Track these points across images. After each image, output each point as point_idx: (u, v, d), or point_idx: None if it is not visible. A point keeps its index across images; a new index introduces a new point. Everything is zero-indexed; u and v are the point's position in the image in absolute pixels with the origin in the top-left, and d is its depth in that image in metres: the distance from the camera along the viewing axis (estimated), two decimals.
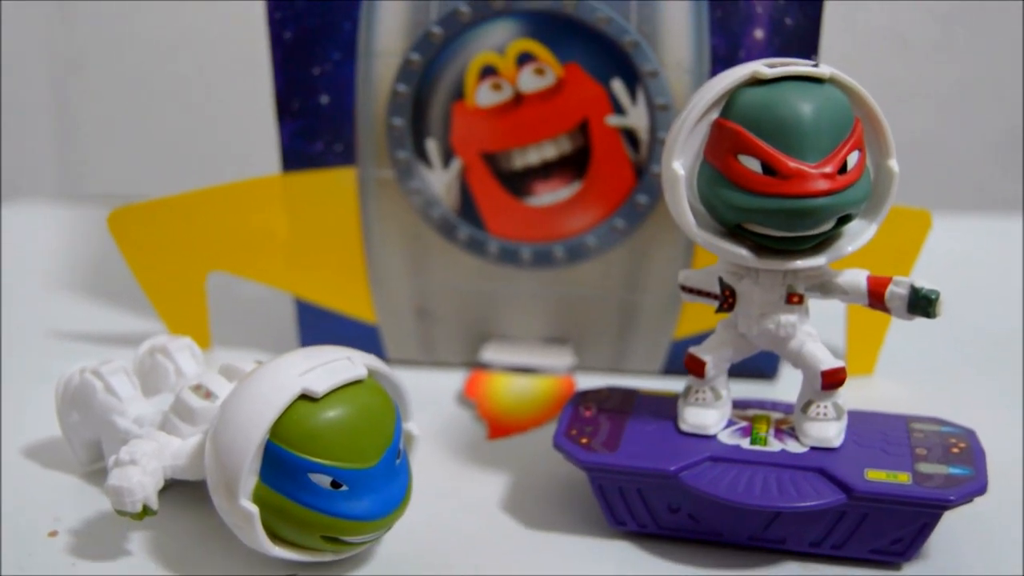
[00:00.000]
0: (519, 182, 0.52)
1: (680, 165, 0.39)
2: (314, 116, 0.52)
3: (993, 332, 0.60)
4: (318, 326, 0.55)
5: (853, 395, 0.50)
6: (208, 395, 0.42)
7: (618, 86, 0.50)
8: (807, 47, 0.49)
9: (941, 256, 0.59)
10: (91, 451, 0.46)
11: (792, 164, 0.37)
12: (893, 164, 0.40)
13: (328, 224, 0.53)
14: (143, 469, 0.39)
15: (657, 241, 0.52)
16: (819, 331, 0.41)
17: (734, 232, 0.40)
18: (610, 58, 0.50)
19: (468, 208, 0.53)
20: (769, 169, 0.38)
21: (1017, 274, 0.67)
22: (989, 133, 0.91)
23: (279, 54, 0.51)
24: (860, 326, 0.54)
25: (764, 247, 0.39)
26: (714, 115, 0.39)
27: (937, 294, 0.39)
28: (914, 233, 0.52)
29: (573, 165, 0.52)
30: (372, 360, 0.41)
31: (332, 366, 0.39)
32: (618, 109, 0.51)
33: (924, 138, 0.91)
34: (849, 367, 0.54)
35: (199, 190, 0.54)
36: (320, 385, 0.38)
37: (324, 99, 0.52)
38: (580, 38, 0.50)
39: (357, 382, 0.39)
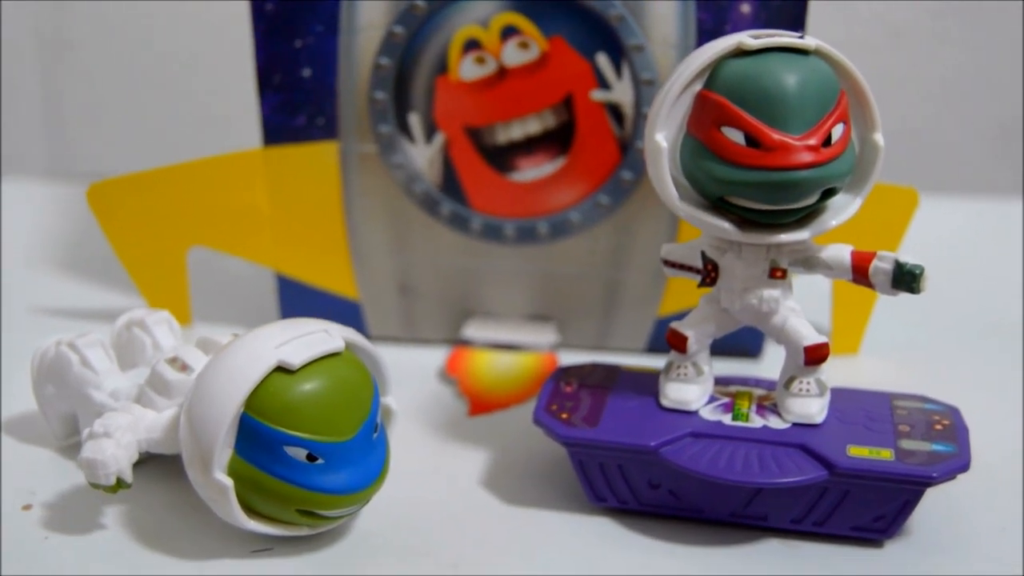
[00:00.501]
0: (503, 157, 0.52)
1: (663, 137, 0.39)
2: (296, 89, 0.51)
3: (979, 312, 0.59)
4: (299, 302, 0.55)
5: (838, 373, 0.49)
6: (184, 368, 0.41)
7: (603, 60, 0.50)
8: (794, 21, 0.48)
9: (929, 237, 0.59)
10: (67, 425, 0.45)
11: (776, 136, 0.37)
12: (878, 138, 0.39)
13: (310, 199, 0.53)
14: (117, 442, 0.39)
15: (642, 218, 0.51)
16: (804, 309, 0.41)
17: (717, 205, 0.39)
18: (595, 32, 0.49)
19: (451, 183, 0.52)
20: (753, 141, 0.37)
21: (1005, 256, 0.66)
22: (982, 122, 0.90)
23: (261, 27, 0.50)
24: (845, 305, 0.54)
25: (747, 221, 0.39)
26: (697, 87, 0.39)
27: (921, 269, 0.38)
28: (901, 211, 0.52)
29: (557, 140, 0.51)
30: (350, 333, 0.40)
31: (309, 338, 0.38)
32: (603, 84, 0.50)
33: (917, 127, 0.90)
34: (834, 346, 0.54)
35: (180, 164, 0.54)
36: (296, 357, 0.37)
37: (306, 72, 0.51)
38: (565, 12, 0.49)
39: (334, 355, 0.38)
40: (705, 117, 0.38)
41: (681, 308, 0.53)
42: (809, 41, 0.38)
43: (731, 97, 0.38)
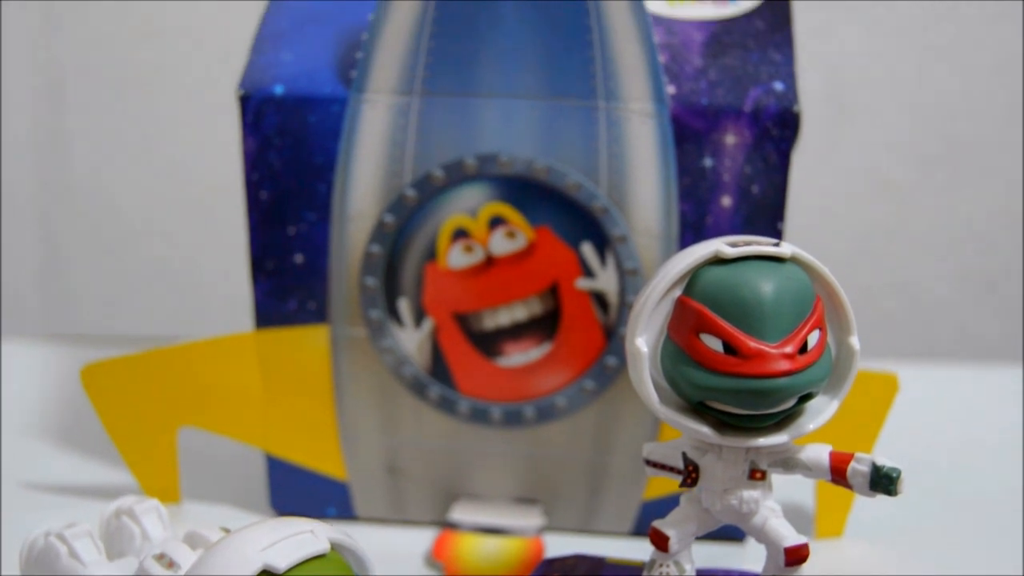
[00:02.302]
0: (490, 342, 0.53)
1: (643, 342, 0.40)
2: (288, 275, 0.52)
3: (973, 486, 0.60)
4: (288, 481, 0.55)
5: (821, 559, 0.50)
6: (171, 565, 0.42)
7: (588, 250, 0.51)
8: (773, 215, 0.50)
9: (916, 406, 0.59)
10: None
11: (753, 344, 0.38)
12: (854, 342, 0.40)
13: (300, 381, 0.54)
14: None
15: (626, 402, 0.52)
16: (789, 490, 0.42)
17: (697, 408, 0.40)
18: (580, 223, 0.51)
19: (439, 367, 0.53)
20: (730, 349, 0.38)
21: (999, 425, 0.67)
22: (972, 276, 0.92)
23: (255, 215, 0.52)
24: (829, 486, 0.54)
25: (726, 424, 0.40)
26: (677, 292, 0.40)
27: (898, 472, 0.39)
28: (880, 398, 0.52)
29: (543, 326, 0.52)
30: (336, 533, 0.41)
31: (295, 539, 0.39)
32: (588, 273, 0.51)
33: (906, 280, 0.92)
34: (818, 529, 0.54)
35: (172, 347, 0.55)
36: (282, 561, 0.38)
37: (298, 258, 0.52)
38: (551, 203, 0.51)
39: (320, 556, 0.39)
40: (684, 324, 0.39)
41: (666, 492, 0.53)
42: (785, 249, 0.39)
43: (709, 305, 0.39)
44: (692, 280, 0.40)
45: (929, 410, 0.66)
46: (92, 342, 0.76)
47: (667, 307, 0.40)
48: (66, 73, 0.89)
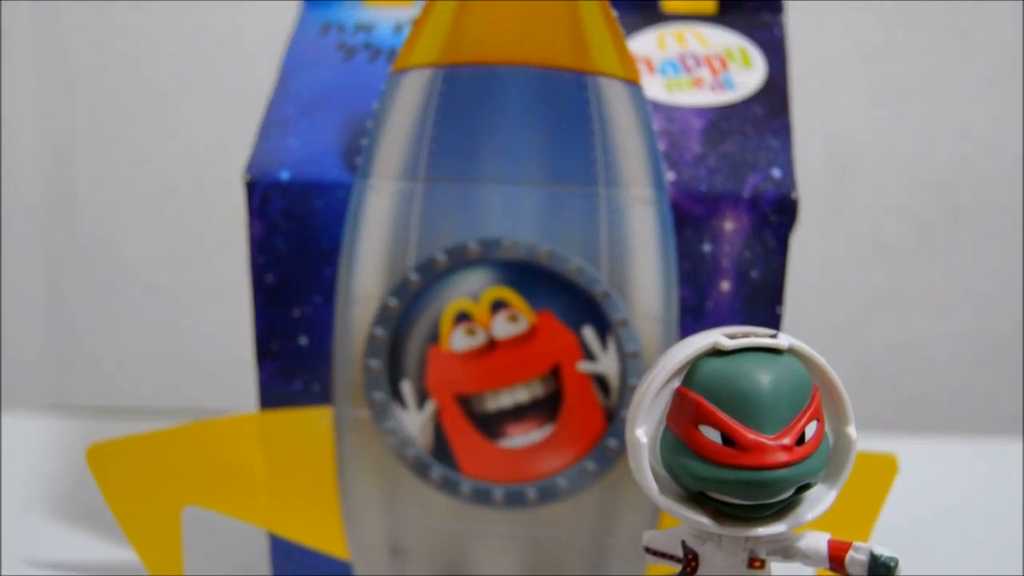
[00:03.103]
0: (492, 424, 0.53)
1: (643, 432, 0.40)
2: (293, 357, 0.53)
3: (978, 565, 0.60)
4: (291, 560, 0.56)
5: None
6: None
7: (589, 333, 0.52)
8: (772, 299, 0.51)
9: (921, 481, 0.59)
10: None
11: (751, 436, 0.38)
12: (851, 431, 0.41)
13: (304, 461, 0.54)
14: None
15: (627, 484, 0.53)
16: (787, 570, 0.42)
17: (696, 497, 0.40)
18: (582, 307, 0.51)
19: (442, 449, 0.53)
20: (729, 440, 0.38)
21: (997, 505, 0.67)
22: (973, 341, 0.92)
23: (261, 298, 0.52)
24: (829, 574, 0.55)
25: (725, 513, 0.40)
26: (676, 383, 0.40)
27: (896, 561, 0.39)
28: (879, 480, 0.53)
29: (545, 408, 0.53)
30: None
31: None
32: (589, 356, 0.52)
33: (904, 346, 0.92)
34: None
35: (177, 427, 0.55)
36: None
37: (303, 340, 0.53)
38: (553, 287, 0.51)
39: None
40: (683, 414, 0.40)
41: (667, 572, 0.53)
42: (782, 341, 0.40)
43: (708, 397, 0.39)
44: (691, 371, 0.40)
45: (929, 487, 0.67)
46: (96, 414, 0.76)
47: (666, 397, 0.40)
48: (75, 138, 0.90)
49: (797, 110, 0.52)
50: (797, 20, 0.70)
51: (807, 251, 0.54)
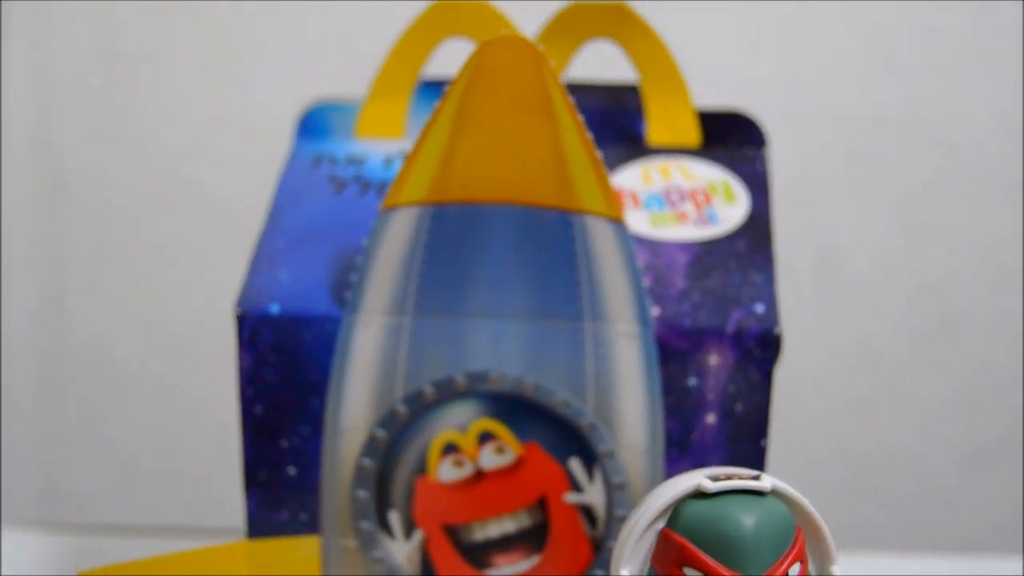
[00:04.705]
0: (479, 554, 0.53)
1: (628, 572, 0.41)
2: (281, 487, 0.53)
3: None
4: None
5: None
6: None
7: (576, 465, 0.52)
8: (756, 432, 0.51)
9: None
10: None
11: None
12: (836, 571, 0.41)
13: None
14: None
15: None
16: None
17: None
18: (568, 439, 0.52)
19: None
20: None
21: None
22: (964, 448, 0.93)
23: (249, 429, 0.53)
24: None
25: None
26: (661, 524, 0.41)
27: None
28: None
29: (532, 539, 0.53)
30: None
31: None
32: (576, 487, 0.52)
33: (895, 454, 0.93)
34: None
35: (165, 556, 0.55)
36: None
37: (291, 471, 0.53)
38: (539, 420, 0.52)
39: None
40: (667, 556, 0.40)
41: None
42: (765, 483, 0.40)
43: (691, 539, 0.40)
44: (675, 513, 0.41)
45: None
46: (82, 531, 0.76)
47: (651, 538, 0.41)
48: (69, 249, 0.91)
49: (784, 219, 0.53)
50: (786, 128, 0.72)
51: (794, 358, 0.55)
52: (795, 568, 0.40)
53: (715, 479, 0.41)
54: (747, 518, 0.40)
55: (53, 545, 0.76)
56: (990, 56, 0.87)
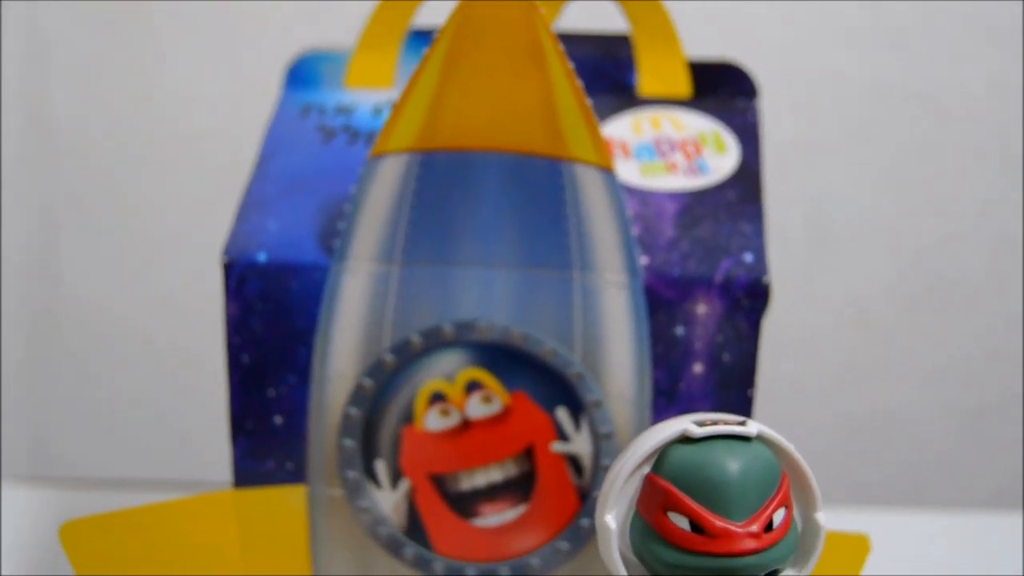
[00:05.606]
0: (466, 503, 0.53)
1: (612, 518, 0.41)
2: (267, 436, 0.53)
3: None
4: None
5: None
6: None
7: (563, 414, 0.52)
8: (744, 382, 0.51)
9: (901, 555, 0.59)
10: None
11: (719, 524, 0.39)
12: (820, 517, 0.41)
13: (277, 540, 0.54)
14: None
15: (600, 564, 0.53)
16: None
17: None
18: (555, 388, 0.52)
19: (415, 527, 0.54)
20: (697, 527, 0.39)
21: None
22: (953, 411, 0.93)
23: (236, 378, 0.53)
24: None
25: None
26: (646, 470, 0.41)
27: None
28: (850, 560, 0.53)
29: (519, 488, 0.53)
30: None
31: None
32: (563, 436, 0.52)
33: (887, 414, 0.93)
34: None
35: (150, 505, 0.55)
36: None
37: (278, 420, 0.53)
38: (527, 368, 0.52)
39: None
40: (652, 501, 0.40)
41: None
42: (751, 428, 0.40)
43: (676, 484, 0.40)
44: (660, 458, 0.41)
45: (910, 563, 0.66)
46: (72, 485, 0.76)
47: (636, 484, 0.41)
48: (59, 203, 0.91)
49: (777, 181, 0.53)
50: (778, 93, 0.71)
51: (783, 320, 0.55)
52: (780, 513, 0.40)
53: (701, 424, 0.40)
54: (732, 463, 0.39)
55: (35, 501, 0.76)
56: (985, 20, 0.87)
